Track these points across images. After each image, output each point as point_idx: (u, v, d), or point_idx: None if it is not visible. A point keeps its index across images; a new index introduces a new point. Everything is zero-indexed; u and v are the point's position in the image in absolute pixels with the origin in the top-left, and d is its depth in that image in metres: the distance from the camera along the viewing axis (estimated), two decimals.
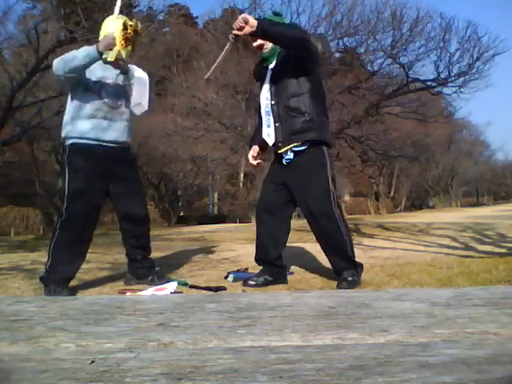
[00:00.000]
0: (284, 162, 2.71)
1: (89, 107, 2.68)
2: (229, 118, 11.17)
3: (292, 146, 2.66)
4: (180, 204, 24.04)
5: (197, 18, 31.00)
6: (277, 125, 2.70)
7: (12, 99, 8.20)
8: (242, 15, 2.48)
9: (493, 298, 1.70)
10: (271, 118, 2.73)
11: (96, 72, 2.70)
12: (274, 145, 2.75)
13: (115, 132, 2.75)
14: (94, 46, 2.57)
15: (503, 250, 4.36)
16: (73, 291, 2.69)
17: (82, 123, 2.68)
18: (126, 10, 7.85)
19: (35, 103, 10.07)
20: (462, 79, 8.49)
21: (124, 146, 2.84)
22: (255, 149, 2.93)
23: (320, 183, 2.68)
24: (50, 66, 8.05)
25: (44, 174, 16.70)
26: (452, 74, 8.46)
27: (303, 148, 2.66)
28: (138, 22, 2.79)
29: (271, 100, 2.72)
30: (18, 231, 14.35)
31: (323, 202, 2.66)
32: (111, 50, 2.59)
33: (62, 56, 2.62)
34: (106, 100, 2.72)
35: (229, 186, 26.29)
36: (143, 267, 2.93)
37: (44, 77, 9.34)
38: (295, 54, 2.62)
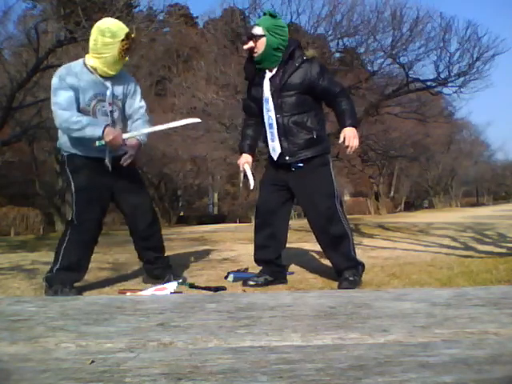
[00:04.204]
0: (293, 168, 2.72)
1: None
2: (229, 118, 11.15)
3: (300, 159, 2.69)
4: (180, 204, 24.03)
5: (197, 17, 30.93)
6: (282, 139, 2.68)
7: (12, 99, 8.20)
8: (354, 144, 2.59)
9: (493, 297, 1.69)
10: (274, 131, 2.70)
11: (89, 91, 2.60)
12: (280, 157, 2.73)
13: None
14: (101, 131, 2.49)
15: (503, 250, 4.36)
16: (79, 291, 2.69)
17: (75, 139, 2.62)
18: (126, 11, 7.85)
19: (35, 103, 10.07)
20: (461, 79, 8.49)
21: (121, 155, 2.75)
22: (248, 158, 2.86)
23: (324, 181, 2.71)
24: (50, 66, 8.07)
25: (44, 173, 16.69)
26: (452, 74, 8.46)
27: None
28: (133, 28, 2.72)
29: (276, 114, 2.68)
30: (18, 231, 14.34)
31: (327, 200, 2.68)
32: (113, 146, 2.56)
33: (69, 117, 2.51)
34: (98, 118, 2.64)
35: (229, 186, 26.28)
36: (158, 268, 2.91)
37: (44, 77, 9.33)
38: (319, 90, 2.65)
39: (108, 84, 2.66)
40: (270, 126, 2.73)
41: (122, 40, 2.56)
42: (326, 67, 2.91)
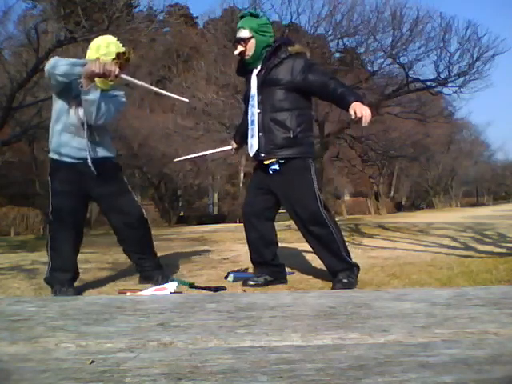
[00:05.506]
0: (270, 171, 2.69)
1: (64, 123, 2.66)
2: (229, 118, 11.16)
3: (275, 160, 2.65)
4: (180, 204, 24.03)
5: (197, 17, 31.00)
6: (260, 134, 2.66)
7: (12, 99, 8.20)
8: (366, 113, 2.43)
9: (493, 297, 1.69)
10: (255, 127, 2.69)
11: (74, 89, 2.58)
12: (256, 154, 2.72)
13: (90, 150, 2.67)
14: (86, 62, 2.50)
15: (503, 250, 4.36)
16: (79, 291, 2.71)
17: (57, 138, 2.69)
18: (126, 11, 7.85)
19: (35, 103, 10.08)
20: (461, 79, 8.51)
21: (103, 159, 2.76)
22: (234, 145, 3.19)
23: (305, 187, 2.66)
24: None
25: (44, 174, 16.62)
26: (452, 74, 8.47)
27: (287, 158, 2.65)
28: (131, 50, 2.72)
29: (257, 108, 2.67)
30: (18, 231, 14.34)
31: (310, 206, 2.64)
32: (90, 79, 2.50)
33: (61, 59, 2.56)
34: (81, 118, 2.63)
35: (229, 186, 26.29)
36: (146, 270, 2.92)
37: (44, 77, 9.32)
38: (308, 83, 2.59)
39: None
40: (252, 122, 2.72)
41: (113, 59, 2.55)
42: (313, 61, 2.88)
